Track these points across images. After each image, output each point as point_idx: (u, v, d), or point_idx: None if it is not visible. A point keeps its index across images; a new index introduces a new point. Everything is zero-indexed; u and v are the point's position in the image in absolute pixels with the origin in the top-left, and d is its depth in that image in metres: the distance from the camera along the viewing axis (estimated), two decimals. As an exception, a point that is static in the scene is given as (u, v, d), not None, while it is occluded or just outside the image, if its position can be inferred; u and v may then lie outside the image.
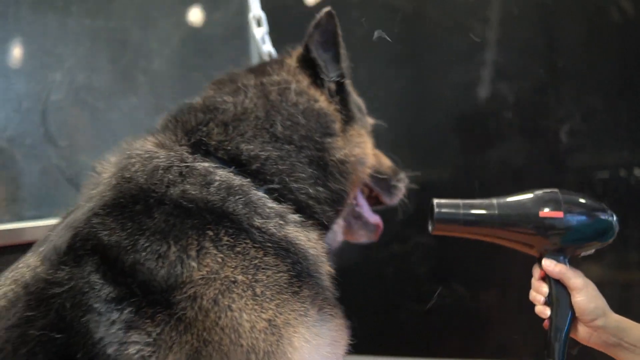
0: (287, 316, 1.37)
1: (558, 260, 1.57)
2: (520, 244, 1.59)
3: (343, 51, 1.75)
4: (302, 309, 1.41)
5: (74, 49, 2.36)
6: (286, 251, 1.44)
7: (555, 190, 1.56)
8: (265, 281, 1.38)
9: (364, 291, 2.43)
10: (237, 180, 1.48)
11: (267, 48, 1.71)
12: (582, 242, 1.56)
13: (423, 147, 2.58)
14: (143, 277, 1.33)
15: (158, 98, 2.56)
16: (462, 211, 1.56)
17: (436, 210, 1.57)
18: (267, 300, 1.37)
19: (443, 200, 1.58)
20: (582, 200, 1.57)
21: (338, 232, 1.79)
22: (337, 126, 1.68)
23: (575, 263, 1.60)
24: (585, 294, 1.54)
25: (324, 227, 1.59)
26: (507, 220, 1.55)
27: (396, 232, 2.60)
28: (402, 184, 2.03)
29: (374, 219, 2.02)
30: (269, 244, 1.42)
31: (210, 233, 1.38)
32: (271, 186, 1.51)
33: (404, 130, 2.61)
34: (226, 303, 1.33)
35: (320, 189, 1.59)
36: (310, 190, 1.56)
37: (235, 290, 1.35)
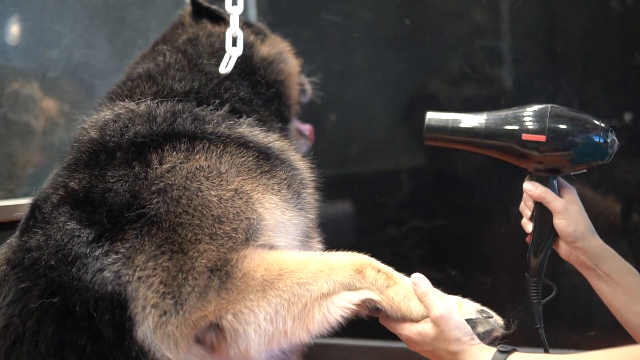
0: (254, 185, 1.52)
1: (547, 179, 1.59)
2: (509, 158, 1.61)
3: None
4: (274, 184, 1.56)
5: (72, 26, 2.35)
6: (247, 143, 1.60)
7: (547, 106, 1.56)
8: (230, 162, 1.53)
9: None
10: (180, 105, 1.65)
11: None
12: (572, 162, 1.57)
13: (421, 131, 2.57)
14: (112, 200, 1.43)
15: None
16: (450, 124, 1.59)
17: (426, 121, 1.62)
18: (233, 175, 1.51)
19: (435, 113, 1.62)
20: (575, 119, 1.56)
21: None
22: (253, 38, 1.94)
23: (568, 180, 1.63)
24: (565, 217, 1.57)
25: (280, 121, 1.87)
26: (492, 137, 1.57)
27: (391, 215, 2.60)
28: (306, 82, 2.25)
29: (302, 126, 2.25)
30: (228, 140, 1.58)
31: (168, 147, 1.52)
32: (214, 101, 1.71)
33: (402, 114, 2.61)
34: (195, 186, 1.46)
35: (254, 89, 1.83)
36: (243, 94, 1.79)
37: (201, 173, 1.48)
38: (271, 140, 1.67)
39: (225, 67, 1.78)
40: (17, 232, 1.52)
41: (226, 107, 1.70)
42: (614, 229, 2.20)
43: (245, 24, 1.99)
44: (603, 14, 2.34)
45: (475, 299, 1.52)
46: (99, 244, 1.40)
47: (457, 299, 1.50)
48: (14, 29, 2.19)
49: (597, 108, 2.33)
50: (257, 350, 1.38)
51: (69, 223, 1.43)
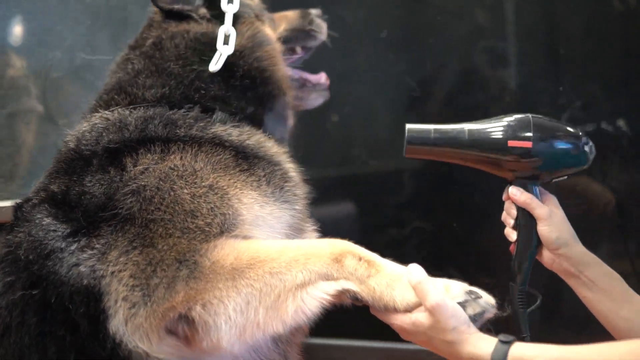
0: (231, 181, 1.51)
1: (528, 187, 1.59)
2: (490, 168, 1.61)
3: None
4: (253, 181, 1.55)
5: (74, 27, 2.35)
6: (222, 143, 1.59)
7: (528, 115, 1.57)
8: (206, 160, 1.53)
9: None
10: (151, 110, 1.64)
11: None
12: (552, 169, 1.58)
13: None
14: (88, 201, 1.46)
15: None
16: (432, 135, 1.59)
17: (407, 133, 1.60)
18: (208, 172, 1.50)
19: (415, 125, 1.61)
20: (555, 128, 1.58)
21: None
22: (214, 31, 1.82)
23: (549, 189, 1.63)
24: (549, 224, 1.57)
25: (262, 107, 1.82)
26: (476, 146, 1.57)
27: (394, 216, 2.61)
28: (318, 21, 2.16)
29: (316, 77, 2.17)
30: (202, 140, 1.58)
31: (142, 150, 1.53)
32: (185, 104, 1.68)
33: (403, 114, 2.61)
34: (168, 186, 1.46)
35: (227, 84, 1.77)
36: (215, 92, 1.74)
37: (175, 173, 1.48)
38: (245, 138, 1.65)
39: (215, 64, 1.75)
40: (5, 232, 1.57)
41: (197, 109, 1.68)
42: (612, 231, 2.21)
43: (207, 8, 1.91)
44: (605, 13, 2.34)
45: (498, 305, 1.49)
46: (76, 239, 1.42)
47: (443, 281, 1.46)
48: (16, 30, 2.19)
49: (599, 108, 2.34)
50: (229, 341, 1.35)
51: (45, 219, 1.47)
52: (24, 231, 1.48)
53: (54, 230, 1.44)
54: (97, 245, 1.41)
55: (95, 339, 1.37)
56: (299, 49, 2.17)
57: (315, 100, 2.18)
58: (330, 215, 2.50)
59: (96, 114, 1.69)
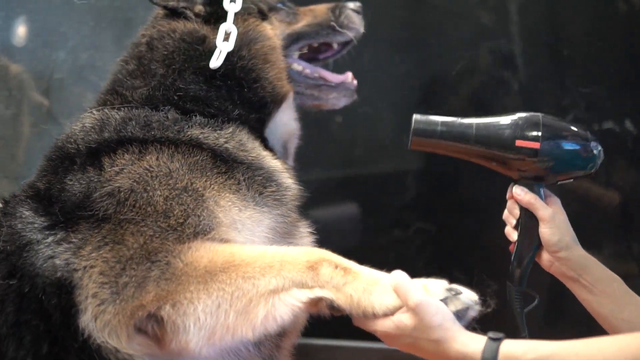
0: (208, 183, 1.51)
1: (533, 187, 1.58)
2: (496, 166, 1.59)
3: None
4: (232, 184, 1.54)
5: (78, 27, 2.36)
6: (200, 145, 1.59)
7: (538, 115, 1.54)
8: (182, 161, 1.54)
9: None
10: (133, 111, 1.65)
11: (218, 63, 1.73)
12: (559, 171, 1.56)
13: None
14: (67, 198, 1.49)
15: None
16: (439, 128, 1.56)
17: (414, 124, 1.58)
18: (183, 174, 1.51)
19: (422, 116, 1.59)
20: (564, 128, 1.56)
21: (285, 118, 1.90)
22: (206, 30, 1.79)
23: (553, 192, 1.62)
24: (551, 226, 1.55)
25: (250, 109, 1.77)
26: (483, 143, 1.55)
27: (397, 217, 2.60)
28: (348, 14, 2.05)
29: (339, 78, 2.06)
30: (179, 142, 1.58)
31: (120, 151, 1.55)
32: (165, 106, 1.68)
33: (407, 115, 2.61)
34: (141, 187, 1.47)
35: (208, 84, 1.73)
36: (195, 93, 1.71)
37: (149, 174, 1.49)
38: (223, 141, 1.64)
39: (216, 60, 1.71)
40: None
41: (173, 111, 1.67)
42: (617, 232, 2.20)
43: (204, 5, 1.85)
44: (609, 15, 2.34)
45: (481, 301, 1.48)
46: (52, 232, 1.45)
47: (421, 281, 1.41)
48: (20, 31, 2.20)
49: (603, 109, 2.33)
50: (197, 343, 1.35)
51: (26, 212, 1.51)
52: (7, 225, 1.51)
53: (32, 223, 1.48)
54: (73, 240, 1.43)
55: (67, 330, 1.38)
56: (335, 45, 2.08)
57: (337, 100, 2.05)
58: (334, 216, 2.50)
59: (87, 114, 1.71)
